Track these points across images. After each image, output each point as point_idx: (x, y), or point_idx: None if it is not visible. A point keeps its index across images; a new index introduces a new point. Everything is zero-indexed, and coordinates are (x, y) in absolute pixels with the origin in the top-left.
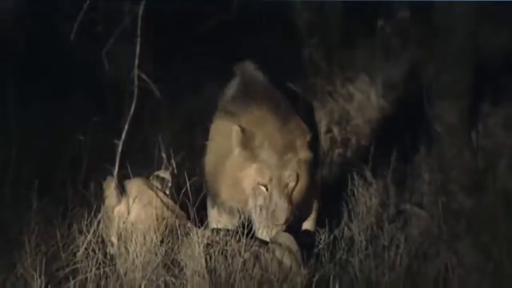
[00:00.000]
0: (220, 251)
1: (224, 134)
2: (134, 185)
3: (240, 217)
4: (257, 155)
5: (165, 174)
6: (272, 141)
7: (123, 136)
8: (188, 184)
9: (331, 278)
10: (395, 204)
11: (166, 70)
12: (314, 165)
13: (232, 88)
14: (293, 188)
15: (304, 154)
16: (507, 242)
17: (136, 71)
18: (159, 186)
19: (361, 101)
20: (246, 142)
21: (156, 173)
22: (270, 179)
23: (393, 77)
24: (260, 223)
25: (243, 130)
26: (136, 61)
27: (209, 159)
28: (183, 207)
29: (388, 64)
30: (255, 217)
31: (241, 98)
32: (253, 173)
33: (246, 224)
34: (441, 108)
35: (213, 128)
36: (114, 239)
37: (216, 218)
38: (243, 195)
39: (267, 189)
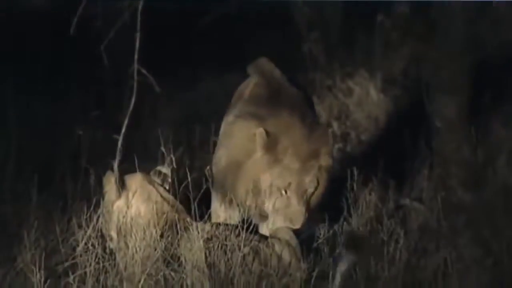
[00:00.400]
0: (220, 245)
1: (245, 134)
2: (134, 180)
3: (239, 211)
4: (280, 159)
5: (165, 169)
6: (296, 148)
7: (123, 130)
8: (189, 179)
9: (331, 273)
10: (394, 199)
11: (166, 64)
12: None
13: (249, 87)
14: (312, 194)
15: (325, 161)
16: (507, 236)
17: (135, 65)
18: (159, 181)
19: (361, 96)
20: (270, 145)
21: (157, 168)
22: (289, 184)
23: (393, 72)
24: (274, 225)
25: (268, 133)
26: (136, 56)
27: (222, 156)
28: (183, 201)
29: (388, 59)
30: (271, 218)
31: (266, 99)
32: (273, 176)
33: (245, 219)
34: (440, 103)
35: (229, 125)
36: (113, 233)
37: (221, 214)
38: (261, 196)
39: (286, 193)
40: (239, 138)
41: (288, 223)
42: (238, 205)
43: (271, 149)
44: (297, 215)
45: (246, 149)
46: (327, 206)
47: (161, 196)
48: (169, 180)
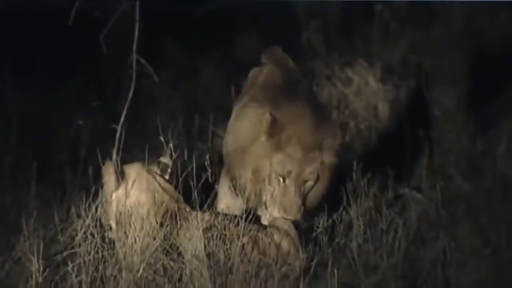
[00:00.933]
0: (219, 235)
1: (254, 118)
2: (133, 170)
3: (239, 196)
4: (283, 146)
5: (166, 159)
6: (301, 137)
7: (122, 120)
8: (194, 167)
9: (330, 262)
10: (393, 188)
11: (165, 54)
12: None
13: (263, 73)
14: (311, 187)
15: (328, 158)
16: (506, 226)
17: (134, 55)
18: (159, 171)
19: (360, 85)
20: (274, 131)
21: (159, 159)
22: (289, 172)
23: (392, 61)
24: (271, 213)
25: (274, 119)
26: (135, 46)
27: (230, 139)
28: (182, 191)
29: (387, 48)
30: (267, 205)
31: (280, 87)
32: (274, 163)
33: (245, 208)
34: (439, 92)
35: (241, 109)
36: (112, 223)
37: (225, 199)
38: (261, 182)
39: (284, 181)
40: (248, 121)
41: (282, 212)
42: (237, 193)
43: (275, 135)
44: (292, 205)
45: (253, 132)
46: (326, 196)
47: (160, 185)
48: (169, 170)
